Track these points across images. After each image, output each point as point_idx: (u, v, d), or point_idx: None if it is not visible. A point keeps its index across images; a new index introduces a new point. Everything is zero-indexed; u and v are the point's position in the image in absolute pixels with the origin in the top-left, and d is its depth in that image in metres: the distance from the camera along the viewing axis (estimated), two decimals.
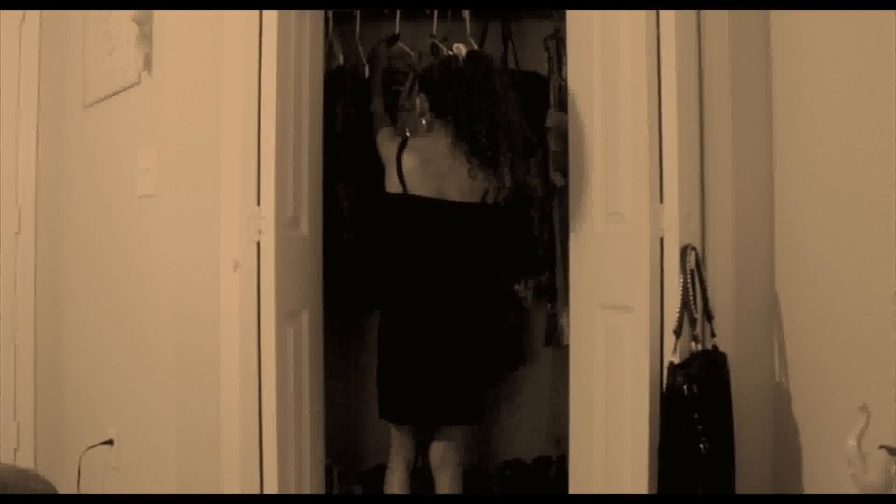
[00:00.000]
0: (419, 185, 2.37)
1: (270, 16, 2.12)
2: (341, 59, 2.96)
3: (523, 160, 2.42)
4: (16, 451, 3.00)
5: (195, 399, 2.22)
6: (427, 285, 2.40)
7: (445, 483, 2.49)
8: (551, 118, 2.80)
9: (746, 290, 2.18)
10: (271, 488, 2.11)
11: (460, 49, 2.43)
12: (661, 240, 2.07)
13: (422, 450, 2.61)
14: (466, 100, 2.31)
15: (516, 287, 2.84)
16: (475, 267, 2.46)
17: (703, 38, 2.15)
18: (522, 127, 2.39)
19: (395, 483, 2.52)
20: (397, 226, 2.44)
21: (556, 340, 2.84)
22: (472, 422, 2.53)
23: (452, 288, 2.41)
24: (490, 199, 2.40)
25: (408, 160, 2.38)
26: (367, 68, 2.90)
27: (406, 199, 2.38)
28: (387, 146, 2.45)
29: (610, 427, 2.20)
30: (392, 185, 2.40)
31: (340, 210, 2.80)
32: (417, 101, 2.49)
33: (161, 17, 2.35)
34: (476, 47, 2.94)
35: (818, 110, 2.03)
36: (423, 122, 2.48)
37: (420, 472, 2.70)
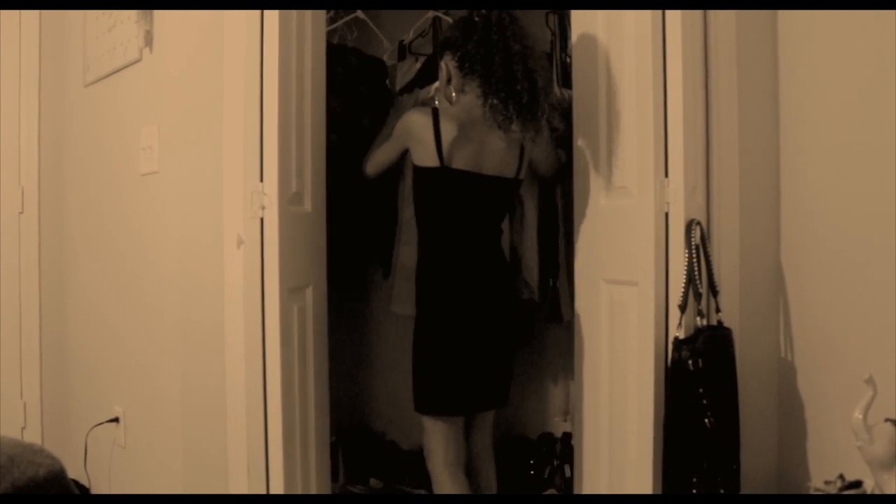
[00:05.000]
0: (459, 157, 2.16)
1: None
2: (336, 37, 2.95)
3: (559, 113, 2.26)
4: (23, 429, 3.02)
5: (200, 376, 2.22)
6: (470, 270, 2.22)
7: (490, 465, 2.38)
8: (554, 95, 2.77)
9: (752, 265, 2.18)
10: (276, 465, 2.11)
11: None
12: (667, 214, 2.05)
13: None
14: (497, 42, 2.11)
15: None
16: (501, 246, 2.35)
17: (708, 14, 2.14)
18: (551, 74, 2.26)
19: (451, 482, 2.21)
20: (434, 204, 2.24)
21: (558, 317, 2.83)
22: (507, 402, 2.41)
23: (492, 270, 2.27)
24: (526, 157, 2.27)
25: (447, 129, 2.15)
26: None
27: (445, 174, 2.16)
28: (417, 118, 2.19)
29: (615, 402, 2.20)
30: (427, 158, 2.17)
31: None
32: (442, 65, 2.23)
33: None
34: None
35: (826, 82, 2.01)
36: (452, 89, 2.22)
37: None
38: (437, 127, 2.14)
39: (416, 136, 2.19)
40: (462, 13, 2.27)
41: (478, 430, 2.35)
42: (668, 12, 2.05)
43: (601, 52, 2.24)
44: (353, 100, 2.83)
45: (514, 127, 2.11)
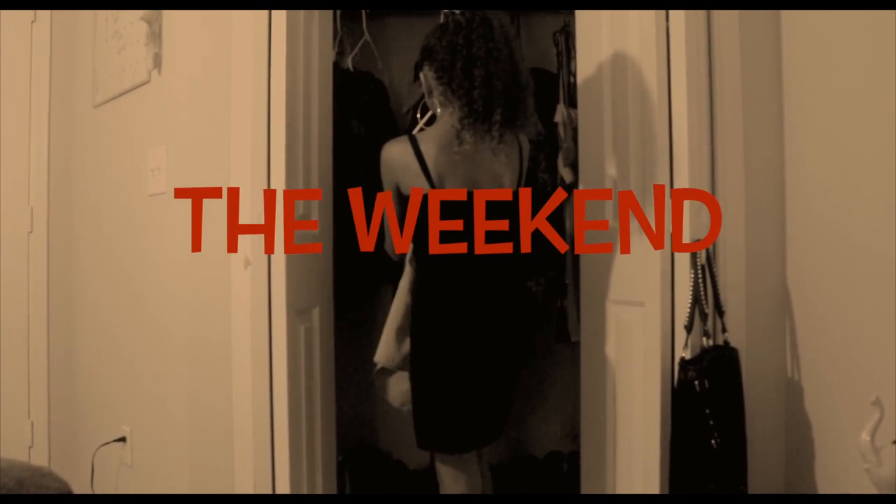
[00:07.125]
0: (451, 178, 2.00)
1: (279, 14, 2.12)
2: (349, 64, 2.97)
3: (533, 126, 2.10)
4: (30, 448, 3.03)
5: (207, 396, 2.23)
6: (473, 298, 2.06)
7: (487, 482, 2.29)
8: (560, 113, 2.79)
9: (758, 285, 2.17)
10: (283, 485, 2.11)
11: (454, 12, 2.19)
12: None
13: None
14: (462, 46, 1.96)
15: (529, 283, 2.83)
16: (508, 269, 2.12)
17: (712, 29, 2.14)
18: (522, 85, 2.04)
19: None
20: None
21: (565, 336, 2.83)
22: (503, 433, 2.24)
23: (498, 298, 2.10)
24: (525, 163, 2.10)
25: (428, 151, 1.99)
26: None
27: (435, 198, 2.00)
28: (393, 147, 2.05)
29: (621, 423, 2.19)
30: (416, 185, 2.01)
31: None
32: (421, 76, 2.11)
33: (170, 15, 2.36)
34: None
35: (831, 94, 2.01)
36: (436, 101, 2.09)
37: None
38: (417, 151, 2.00)
39: (398, 164, 2.03)
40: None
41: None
42: (673, 30, 2.05)
43: (605, 71, 2.25)
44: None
45: (466, 136, 1.97)
